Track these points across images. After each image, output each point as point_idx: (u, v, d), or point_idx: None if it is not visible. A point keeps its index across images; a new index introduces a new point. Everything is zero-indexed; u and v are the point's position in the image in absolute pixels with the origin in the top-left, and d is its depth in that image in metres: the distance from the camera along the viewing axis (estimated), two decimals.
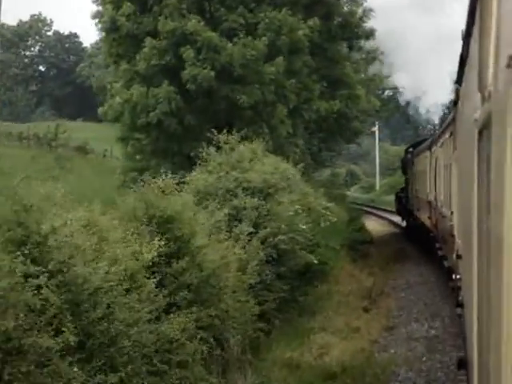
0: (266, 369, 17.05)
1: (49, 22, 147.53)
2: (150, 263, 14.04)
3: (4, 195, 11.75)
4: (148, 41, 31.59)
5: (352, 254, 33.09)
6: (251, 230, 20.49)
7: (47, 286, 10.40)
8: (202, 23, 31.47)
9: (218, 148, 22.93)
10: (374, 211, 67.30)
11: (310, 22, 32.86)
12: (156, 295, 14.02)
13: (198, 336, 14.48)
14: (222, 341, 15.77)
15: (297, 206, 23.29)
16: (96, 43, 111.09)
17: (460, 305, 11.48)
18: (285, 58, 31.94)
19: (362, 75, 50.13)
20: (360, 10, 41.38)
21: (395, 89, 70.47)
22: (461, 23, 9.00)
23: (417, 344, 18.62)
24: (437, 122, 78.17)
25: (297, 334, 20.02)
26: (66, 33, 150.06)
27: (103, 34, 35.66)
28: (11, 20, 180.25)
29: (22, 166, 38.46)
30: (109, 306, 11.73)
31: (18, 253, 10.49)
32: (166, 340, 13.32)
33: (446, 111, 62.11)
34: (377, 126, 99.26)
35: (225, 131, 23.01)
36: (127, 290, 12.84)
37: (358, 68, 44.86)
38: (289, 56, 32.37)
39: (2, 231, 11.24)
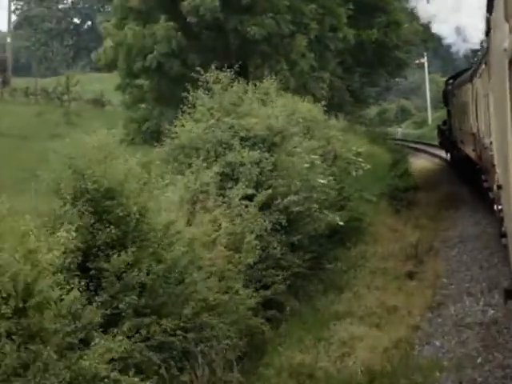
0: (267, 381, 12.58)
1: None
2: (80, 258, 10.19)
3: None
4: None
5: (395, 204, 28.25)
6: (250, 191, 15.85)
7: None
8: None
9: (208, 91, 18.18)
10: (424, 147, 62.25)
11: None
12: (84, 306, 9.38)
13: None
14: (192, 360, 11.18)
15: (313, 156, 18.47)
16: None
17: (504, 235, 11.02)
18: None
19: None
20: None
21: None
22: None
23: (469, 334, 13.90)
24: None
25: (315, 323, 15.48)
26: None
27: None
28: None
29: (24, 125, 34.15)
30: None
31: None
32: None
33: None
34: (425, 58, 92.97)
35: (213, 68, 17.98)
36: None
37: None
38: None
39: None
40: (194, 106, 17.92)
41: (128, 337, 9.82)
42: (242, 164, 16.58)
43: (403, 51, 57.77)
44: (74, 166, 11.08)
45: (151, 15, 27.65)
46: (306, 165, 18.42)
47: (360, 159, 23.95)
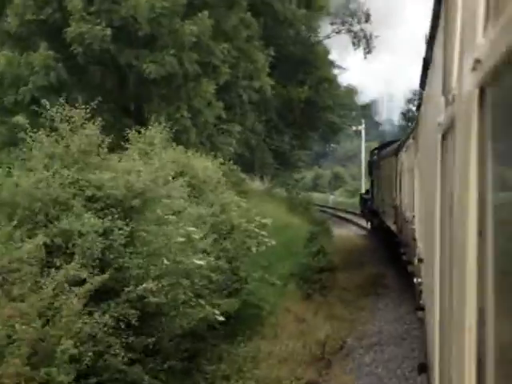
0: None
1: None
2: None
3: None
4: None
5: (306, 288, 23.80)
6: (84, 275, 11.23)
7: None
8: None
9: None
10: (352, 217, 58.91)
11: None
12: None
13: None
14: None
15: (190, 228, 13.97)
16: None
17: (421, 308, 10.92)
18: (212, 14, 22.34)
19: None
20: None
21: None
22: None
23: None
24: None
25: None
26: None
27: None
28: None
29: None
30: None
31: None
32: None
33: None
34: (363, 125, 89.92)
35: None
36: None
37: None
38: (218, 11, 22.76)
39: None
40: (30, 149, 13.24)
41: None
42: (82, 234, 11.88)
43: (337, 114, 54.45)
44: None
45: (32, 42, 22.90)
46: (180, 239, 13.82)
47: (263, 232, 19.47)
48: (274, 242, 20.02)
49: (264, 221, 20.35)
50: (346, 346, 20.24)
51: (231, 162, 22.93)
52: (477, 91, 3.09)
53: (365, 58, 55.92)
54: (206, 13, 22.71)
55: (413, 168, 17.45)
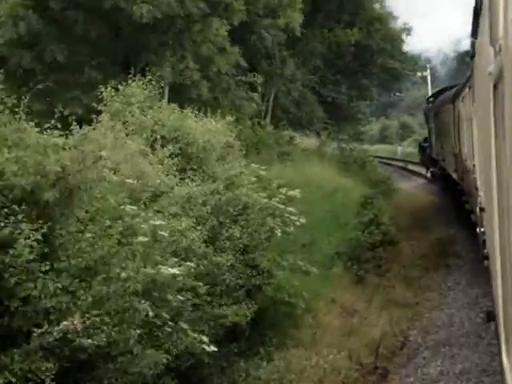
0: None
1: None
2: None
3: None
4: None
5: (357, 269, 19.21)
6: None
7: None
8: None
9: None
10: (420, 169, 53.46)
11: None
12: None
13: None
14: None
15: (155, 222, 9.48)
16: None
17: (486, 257, 10.69)
18: None
19: None
20: None
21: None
22: None
23: None
24: None
25: None
26: None
27: None
28: None
29: None
30: None
31: None
32: None
33: None
34: (428, 70, 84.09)
35: None
36: None
37: None
38: None
39: None
40: None
41: None
42: None
43: (396, 59, 49.36)
44: None
45: None
46: (142, 239, 9.36)
47: (290, 209, 14.93)
48: (303, 220, 15.34)
49: (292, 193, 15.70)
50: (408, 345, 15.83)
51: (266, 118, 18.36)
52: None
53: None
54: None
55: (471, 117, 17.31)
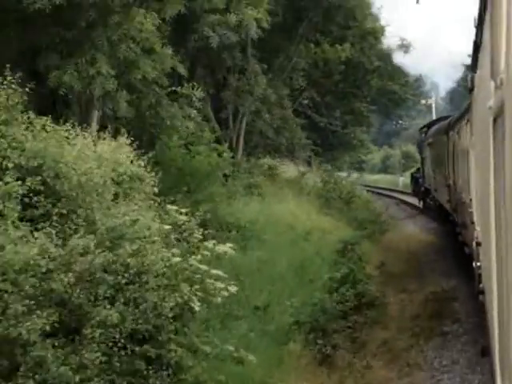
0: None
1: None
2: None
3: None
4: None
5: (321, 344, 14.65)
6: None
7: None
8: None
9: None
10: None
11: None
12: None
13: None
14: None
15: None
16: None
17: (482, 292, 10.82)
18: None
19: None
20: None
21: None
22: None
23: None
24: None
25: None
26: None
27: None
28: None
29: None
30: None
31: None
32: None
33: None
34: (433, 98, 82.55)
35: None
36: None
37: None
38: None
39: None
40: None
41: None
42: None
43: (397, 83, 45.30)
44: None
45: None
46: None
47: (217, 272, 10.34)
48: (233, 289, 10.72)
49: (223, 248, 11.10)
50: None
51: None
52: None
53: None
54: None
55: (468, 150, 17.57)
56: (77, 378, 8.08)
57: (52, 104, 14.70)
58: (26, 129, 10.12)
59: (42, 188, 9.49)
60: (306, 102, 40.01)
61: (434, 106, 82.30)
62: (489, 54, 5.93)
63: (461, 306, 19.86)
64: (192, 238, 11.32)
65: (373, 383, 14.12)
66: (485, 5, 6.90)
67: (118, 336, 8.86)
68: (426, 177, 39.74)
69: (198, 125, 17.42)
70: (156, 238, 10.49)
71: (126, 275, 9.37)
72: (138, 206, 10.75)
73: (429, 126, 41.23)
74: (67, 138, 10.53)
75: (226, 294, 10.70)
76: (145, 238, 10.08)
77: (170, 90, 14.49)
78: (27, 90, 10.69)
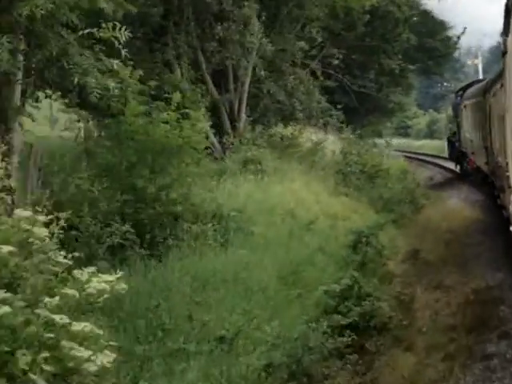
0: None
1: None
2: None
3: None
4: None
5: None
6: None
7: None
8: None
9: None
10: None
11: None
12: None
13: None
14: None
15: None
16: None
17: None
18: None
19: None
20: None
21: None
22: None
23: None
24: None
25: None
26: None
27: None
28: None
29: None
30: None
31: None
32: None
33: None
34: (480, 57, 77.66)
35: None
36: None
37: None
38: None
39: None
40: None
41: None
42: None
43: (438, 38, 40.54)
44: None
45: None
46: None
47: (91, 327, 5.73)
48: (107, 360, 6.09)
49: (98, 285, 6.49)
50: None
51: None
52: None
53: None
54: None
55: (503, 114, 17.23)
56: None
57: None
58: None
59: None
60: (336, 62, 35.35)
61: (480, 66, 77.12)
62: None
63: (510, 312, 15.16)
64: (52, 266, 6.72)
65: None
66: None
67: None
68: (463, 140, 39.36)
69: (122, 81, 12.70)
70: None
71: None
72: None
73: (465, 88, 40.52)
74: None
75: (93, 367, 6.09)
76: None
77: (82, 33, 9.90)
78: None
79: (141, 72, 14.20)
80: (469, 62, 74.16)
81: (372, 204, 22.78)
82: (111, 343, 6.50)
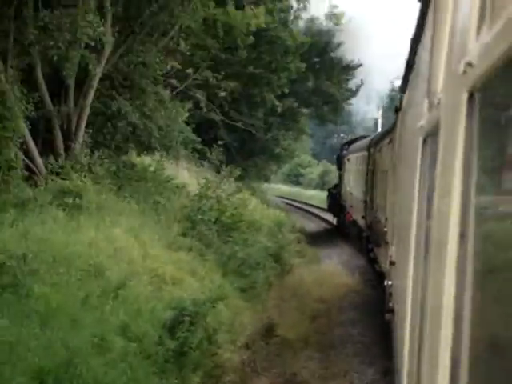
0: None
1: None
2: None
3: None
4: None
5: None
6: None
7: None
8: None
9: None
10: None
11: None
12: None
13: None
14: None
15: None
16: None
17: (390, 311, 11.30)
18: None
19: None
20: None
21: None
22: None
23: None
24: None
25: None
26: None
27: None
28: None
29: None
30: None
31: None
32: None
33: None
34: (380, 111, 74.51)
35: None
36: None
37: None
38: None
39: None
40: None
41: None
42: None
43: (334, 81, 37.40)
44: None
45: None
46: None
47: None
48: None
49: None
50: None
51: None
52: (466, 95, 3.11)
53: None
54: None
55: (387, 170, 18.06)
56: None
57: None
58: None
59: None
60: (223, 94, 31.60)
61: (380, 120, 75.85)
62: (424, 74, 5.95)
63: None
64: None
65: None
66: (422, 25, 6.92)
67: None
68: (343, 193, 40.41)
69: None
70: None
71: None
72: None
73: (350, 142, 42.76)
74: None
75: None
76: None
77: None
78: None
79: None
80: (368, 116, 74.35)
81: (220, 264, 18.10)
82: None
